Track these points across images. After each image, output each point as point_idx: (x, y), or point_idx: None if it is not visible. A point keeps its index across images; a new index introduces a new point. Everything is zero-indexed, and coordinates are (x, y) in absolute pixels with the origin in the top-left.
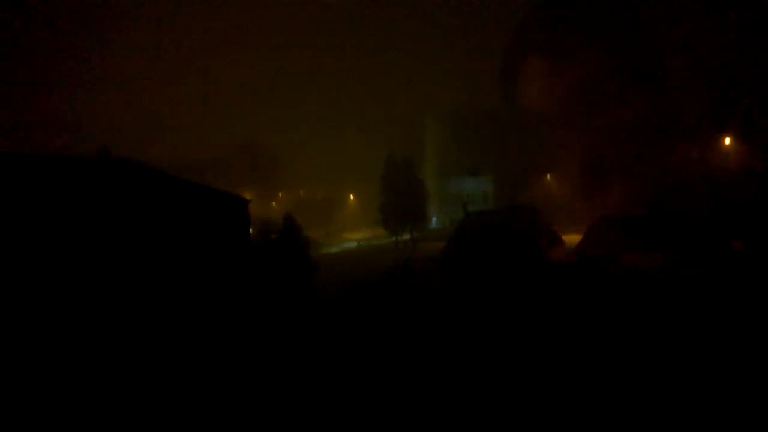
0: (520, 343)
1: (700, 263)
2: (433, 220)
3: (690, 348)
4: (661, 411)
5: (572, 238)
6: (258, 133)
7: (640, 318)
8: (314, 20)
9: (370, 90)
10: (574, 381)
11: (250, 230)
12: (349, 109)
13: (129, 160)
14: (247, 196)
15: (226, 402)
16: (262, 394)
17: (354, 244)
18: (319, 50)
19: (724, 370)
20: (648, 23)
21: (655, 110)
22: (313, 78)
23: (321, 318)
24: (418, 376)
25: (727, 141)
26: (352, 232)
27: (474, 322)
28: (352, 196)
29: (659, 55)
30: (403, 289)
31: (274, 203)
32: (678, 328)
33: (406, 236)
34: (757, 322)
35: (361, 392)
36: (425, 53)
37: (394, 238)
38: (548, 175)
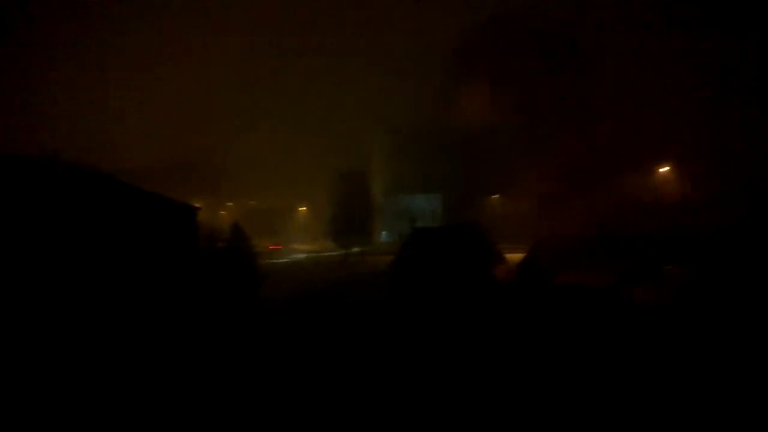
0: (454, 355)
1: (640, 284)
2: (383, 234)
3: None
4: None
5: (516, 257)
6: (209, 142)
7: (575, 334)
8: (270, 31)
9: (323, 104)
10: (503, 396)
11: (198, 239)
12: (302, 123)
13: (75, 163)
14: (196, 204)
15: (162, 409)
16: (201, 399)
17: (303, 256)
18: (272, 63)
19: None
20: (586, 53)
21: (594, 138)
22: (265, 90)
23: (266, 327)
24: (356, 385)
25: (667, 169)
26: (302, 243)
27: (414, 335)
28: (302, 208)
29: (596, 85)
30: (349, 301)
31: (223, 212)
32: (608, 343)
33: (355, 250)
34: (681, 337)
35: (297, 400)
36: (377, 67)
37: (343, 251)
38: (495, 195)
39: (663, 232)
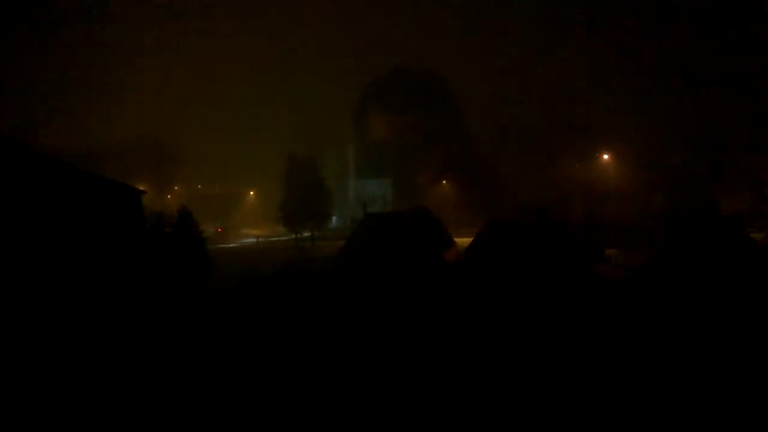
0: (405, 336)
1: (580, 267)
2: (333, 219)
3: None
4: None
5: (464, 241)
6: (155, 125)
7: (522, 311)
8: (223, 17)
9: (274, 88)
10: (448, 373)
11: (143, 222)
12: (252, 107)
13: (9, 140)
14: (141, 187)
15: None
16: (151, 385)
17: (253, 240)
18: (224, 47)
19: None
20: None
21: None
22: (215, 75)
23: (215, 312)
24: (305, 366)
25: (606, 157)
26: (252, 228)
27: (366, 316)
28: (252, 193)
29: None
30: (300, 284)
31: (169, 196)
32: (557, 322)
33: (306, 234)
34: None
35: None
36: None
37: (294, 236)
38: (443, 182)
39: (603, 218)
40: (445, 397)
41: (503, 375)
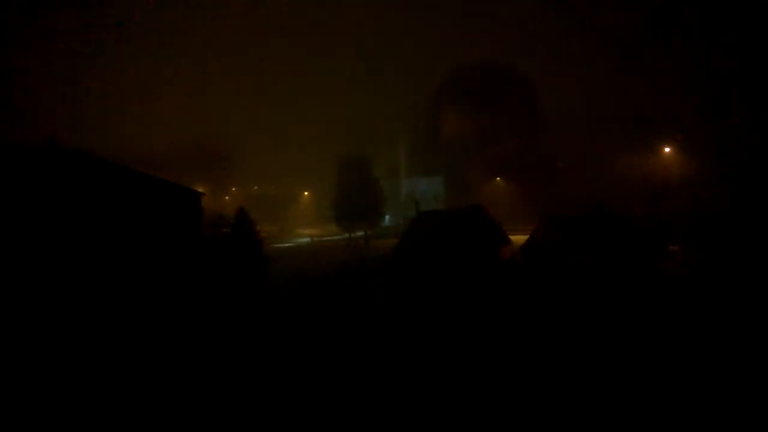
0: (465, 337)
1: (641, 265)
2: (387, 218)
3: (644, 343)
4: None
5: (520, 238)
6: (214, 129)
7: (589, 313)
8: (273, 22)
9: (328, 91)
10: (521, 376)
11: (202, 223)
12: (306, 109)
13: (77, 150)
14: (200, 189)
15: (178, 389)
16: (212, 382)
17: (307, 240)
18: (279, 51)
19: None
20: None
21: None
22: (271, 77)
23: (272, 310)
24: (364, 369)
25: (667, 150)
26: (306, 228)
27: (421, 314)
28: (306, 193)
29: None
30: (355, 283)
31: (227, 197)
32: (627, 323)
33: (359, 233)
34: (701, 318)
35: (303, 381)
36: (381, 63)
37: (348, 235)
38: (498, 179)
39: (666, 213)
40: (502, 397)
41: (561, 375)
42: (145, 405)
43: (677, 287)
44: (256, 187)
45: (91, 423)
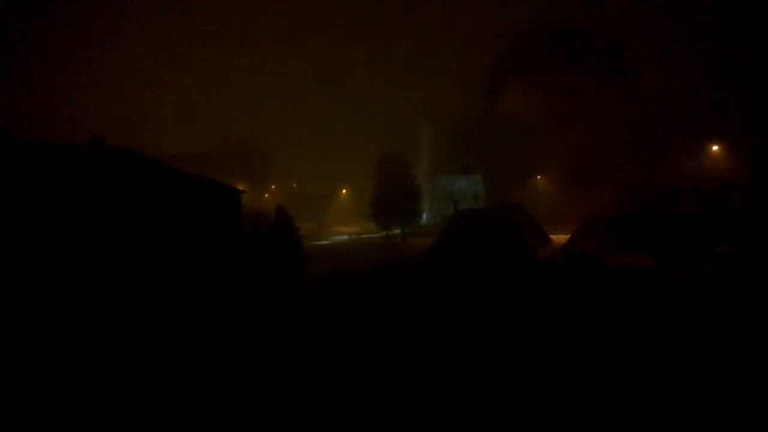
0: (506, 339)
1: (686, 266)
2: (424, 216)
3: (685, 347)
4: (652, 410)
5: (560, 238)
6: (252, 126)
7: (632, 315)
8: (311, 19)
9: (365, 89)
10: (562, 377)
11: (243, 221)
12: (344, 107)
13: (122, 148)
14: (240, 187)
15: (223, 393)
16: (258, 383)
17: (345, 237)
18: (315, 49)
19: (714, 369)
20: (623, 46)
21: (639, 121)
22: (308, 75)
23: (312, 309)
24: (404, 369)
25: (715, 148)
26: (344, 225)
27: (459, 315)
28: (344, 191)
29: (636, 74)
30: (392, 282)
31: (266, 195)
32: (672, 327)
33: (397, 231)
34: (747, 322)
35: (348, 383)
36: (420, 57)
37: (385, 233)
38: (537, 176)
39: (711, 212)
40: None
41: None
42: (184, 394)
43: (717, 291)
44: (295, 185)
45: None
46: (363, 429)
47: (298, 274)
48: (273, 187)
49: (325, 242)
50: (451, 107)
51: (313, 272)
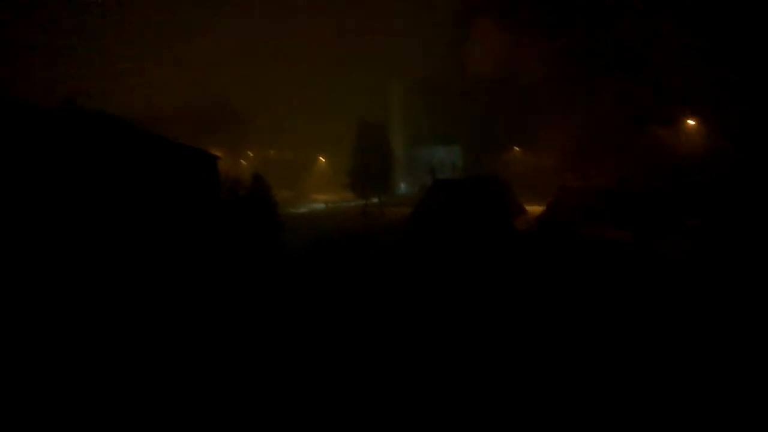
0: (479, 303)
1: (659, 239)
2: (402, 185)
3: (660, 315)
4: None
5: (535, 209)
6: (226, 90)
7: (605, 282)
8: None
9: (341, 55)
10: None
11: (219, 188)
12: (319, 74)
13: (95, 110)
14: (217, 153)
15: (199, 353)
16: (234, 342)
17: (322, 206)
18: (290, 12)
19: (689, 338)
20: (617, 11)
21: (623, 93)
22: (282, 41)
23: (287, 273)
24: (375, 329)
25: (691, 123)
26: (321, 193)
27: (436, 280)
28: (321, 159)
29: (629, 43)
30: (368, 249)
31: (243, 162)
32: (646, 295)
33: (374, 200)
34: (718, 292)
35: (320, 341)
36: (395, 20)
37: (363, 202)
38: (514, 148)
39: (685, 186)
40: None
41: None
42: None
43: (684, 264)
44: (272, 152)
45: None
46: (339, 383)
47: (275, 241)
48: (250, 154)
49: (302, 210)
50: (431, 76)
51: (290, 239)
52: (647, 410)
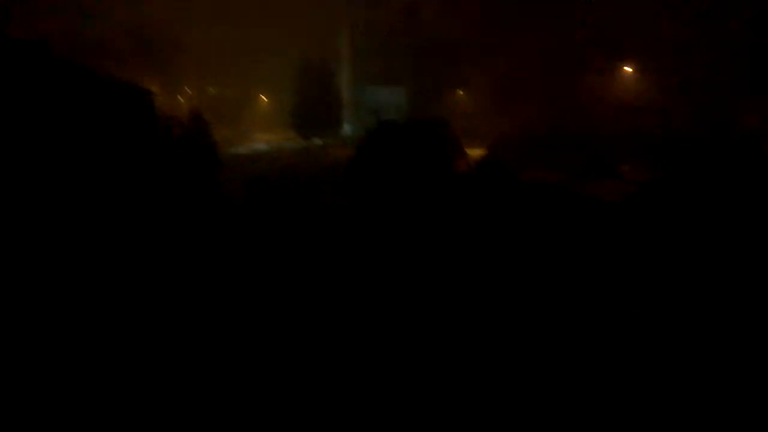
0: (410, 248)
1: (592, 182)
2: (347, 127)
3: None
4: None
5: (477, 153)
6: (163, 18)
7: (539, 224)
8: None
9: None
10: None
11: (154, 125)
12: (265, 8)
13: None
14: (151, 88)
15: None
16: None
17: (264, 146)
18: None
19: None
20: None
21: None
22: None
23: (227, 213)
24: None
25: (629, 70)
26: (263, 133)
27: (372, 226)
28: (263, 97)
29: None
30: (309, 191)
31: (180, 98)
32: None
33: (318, 141)
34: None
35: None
36: None
37: (306, 143)
38: (459, 91)
39: (620, 131)
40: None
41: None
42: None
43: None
44: (211, 89)
45: None
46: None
47: (215, 181)
48: (188, 90)
49: (242, 150)
50: (378, 18)
51: (231, 179)
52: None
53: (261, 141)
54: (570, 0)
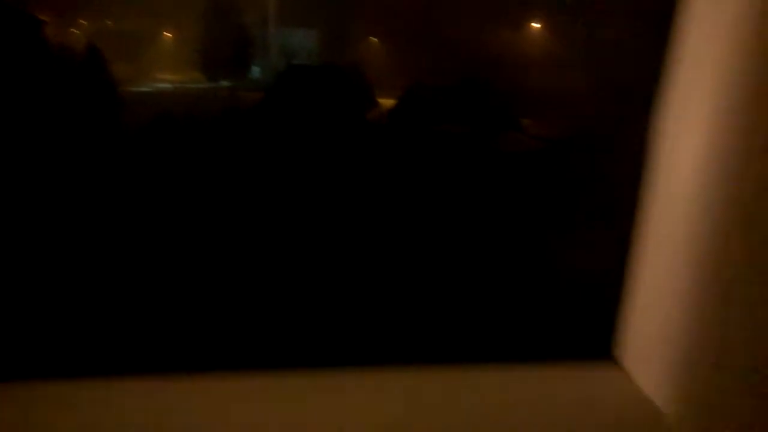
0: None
1: (496, 135)
2: (256, 69)
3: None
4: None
5: (389, 102)
6: None
7: (441, 178)
8: None
9: None
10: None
11: (48, 59)
12: None
13: None
14: (41, 17)
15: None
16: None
17: (168, 86)
18: None
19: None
20: None
21: None
22: None
23: (128, 154)
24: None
25: (538, 25)
26: (167, 72)
27: (280, 171)
28: (167, 33)
29: None
30: (213, 135)
31: (76, 31)
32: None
33: (225, 84)
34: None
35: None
36: None
37: (212, 84)
38: (373, 39)
39: (528, 86)
40: None
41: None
42: None
43: (516, 156)
44: (110, 23)
45: None
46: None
47: (114, 120)
48: (84, 23)
49: (144, 89)
50: None
51: (131, 120)
52: None
53: (165, 81)
54: None
